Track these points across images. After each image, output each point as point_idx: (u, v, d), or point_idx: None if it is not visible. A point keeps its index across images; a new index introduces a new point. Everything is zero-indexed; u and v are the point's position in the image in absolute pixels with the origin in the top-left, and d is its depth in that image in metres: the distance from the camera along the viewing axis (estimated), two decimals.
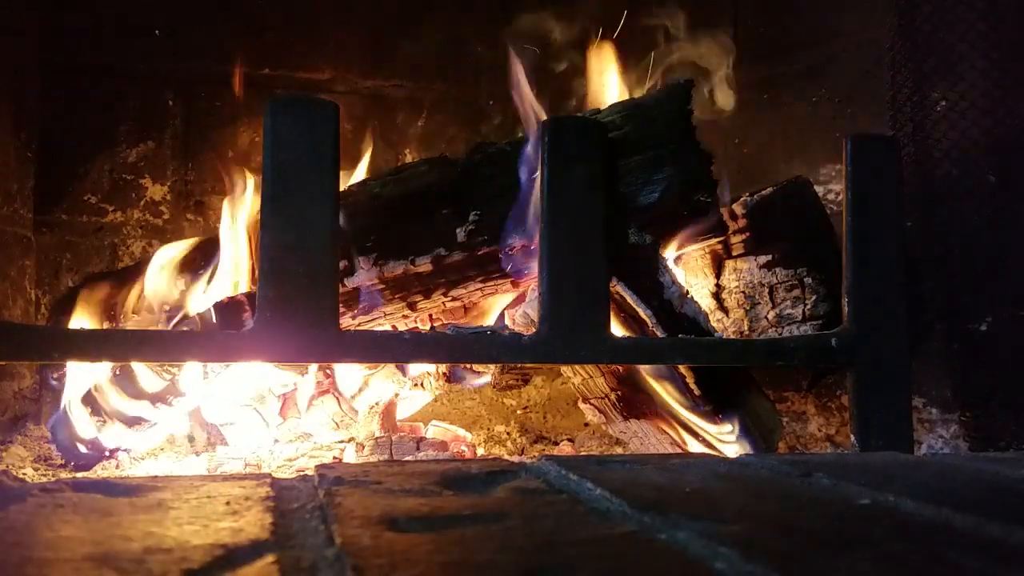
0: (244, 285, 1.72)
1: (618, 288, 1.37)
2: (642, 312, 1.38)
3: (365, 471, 0.88)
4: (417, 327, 1.59)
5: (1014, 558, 0.57)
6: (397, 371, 1.74)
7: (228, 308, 1.55)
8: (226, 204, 1.85)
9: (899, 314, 1.30)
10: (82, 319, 1.91)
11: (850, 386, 1.30)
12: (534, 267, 1.33)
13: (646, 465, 0.93)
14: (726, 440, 1.41)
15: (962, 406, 1.53)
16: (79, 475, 1.58)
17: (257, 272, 1.14)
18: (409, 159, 2.32)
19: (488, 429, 2.05)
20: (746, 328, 1.65)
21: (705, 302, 1.68)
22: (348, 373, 1.75)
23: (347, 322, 1.54)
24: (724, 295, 1.69)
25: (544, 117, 1.48)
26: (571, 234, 1.21)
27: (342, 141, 1.16)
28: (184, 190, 2.22)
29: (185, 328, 1.63)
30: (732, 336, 1.63)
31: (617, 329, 1.39)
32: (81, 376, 1.67)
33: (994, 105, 1.48)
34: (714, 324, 1.60)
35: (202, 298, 1.75)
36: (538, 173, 1.29)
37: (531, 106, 1.56)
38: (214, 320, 1.53)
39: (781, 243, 1.65)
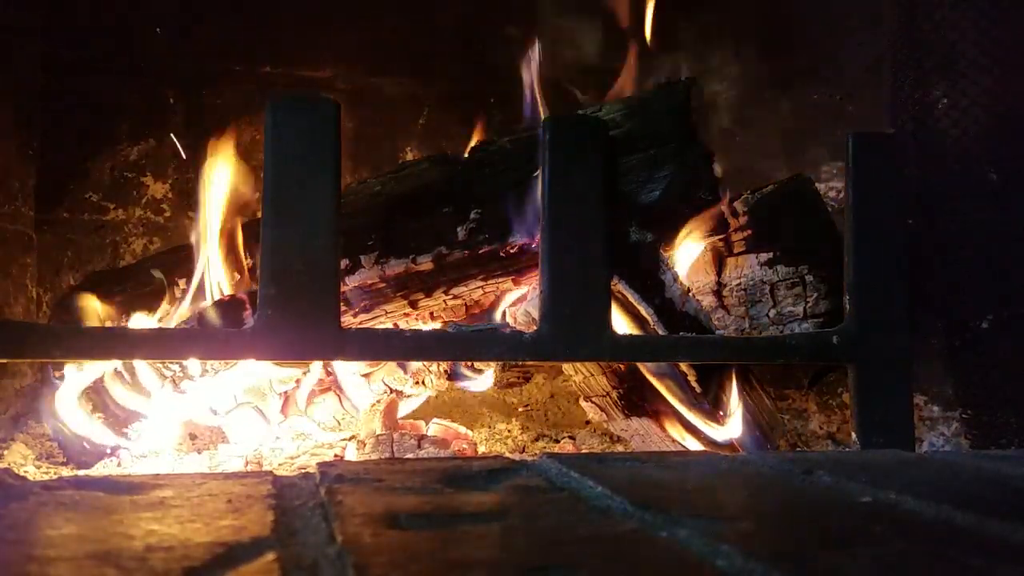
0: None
1: (619, 286, 1.37)
2: (643, 310, 1.38)
3: (366, 469, 0.88)
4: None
5: (1016, 556, 0.57)
6: (398, 368, 1.74)
7: (229, 306, 1.55)
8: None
9: (900, 312, 1.30)
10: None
11: (851, 384, 1.30)
12: (535, 265, 1.33)
13: (647, 463, 0.93)
14: (727, 438, 1.41)
15: (963, 404, 1.53)
16: (81, 473, 1.58)
17: (258, 271, 1.14)
18: (410, 157, 2.32)
19: (489, 427, 2.05)
20: (747, 326, 1.65)
21: (706, 300, 1.68)
22: (350, 371, 1.75)
23: (348, 320, 1.54)
24: (725, 292, 1.69)
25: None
26: (572, 232, 1.21)
27: (343, 140, 1.16)
28: (185, 188, 2.22)
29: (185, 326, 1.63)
30: (733, 334, 1.63)
31: (623, 326, 1.39)
32: (83, 373, 1.67)
33: (996, 102, 1.48)
34: (715, 322, 1.59)
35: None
36: (539, 171, 1.29)
37: (539, 102, 1.55)
38: (215, 318, 1.53)
39: (782, 241, 1.65)
